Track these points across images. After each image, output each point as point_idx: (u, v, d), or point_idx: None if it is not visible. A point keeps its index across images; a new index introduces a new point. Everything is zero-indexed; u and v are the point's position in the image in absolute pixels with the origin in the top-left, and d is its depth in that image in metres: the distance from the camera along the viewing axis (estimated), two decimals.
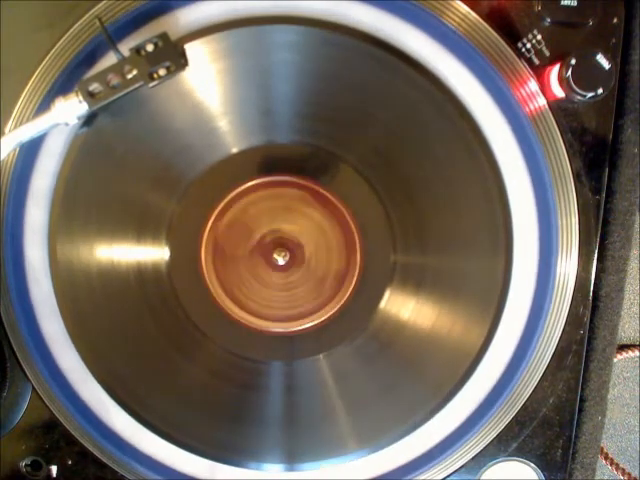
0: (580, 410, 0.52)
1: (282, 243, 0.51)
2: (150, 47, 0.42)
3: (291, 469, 0.51)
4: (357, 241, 0.51)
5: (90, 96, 0.43)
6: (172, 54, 0.42)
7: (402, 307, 0.51)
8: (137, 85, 0.43)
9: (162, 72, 0.43)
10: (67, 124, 0.44)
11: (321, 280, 0.51)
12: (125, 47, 0.45)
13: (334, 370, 0.51)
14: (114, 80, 0.43)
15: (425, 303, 0.51)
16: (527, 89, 0.50)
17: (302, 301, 0.51)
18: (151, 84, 0.43)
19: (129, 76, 0.43)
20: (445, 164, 0.50)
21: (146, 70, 0.42)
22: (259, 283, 0.51)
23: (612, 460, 0.64)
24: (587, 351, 0.52)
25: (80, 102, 0.43)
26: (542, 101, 0.50)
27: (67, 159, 0.48)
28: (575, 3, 0.49)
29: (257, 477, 0.52)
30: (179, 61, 0.42)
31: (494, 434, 0.52)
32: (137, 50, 0.43)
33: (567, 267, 0.51)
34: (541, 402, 0.51)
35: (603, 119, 0.50)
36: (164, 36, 0.42)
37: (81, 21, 0.48)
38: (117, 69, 0.43)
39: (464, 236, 0.51)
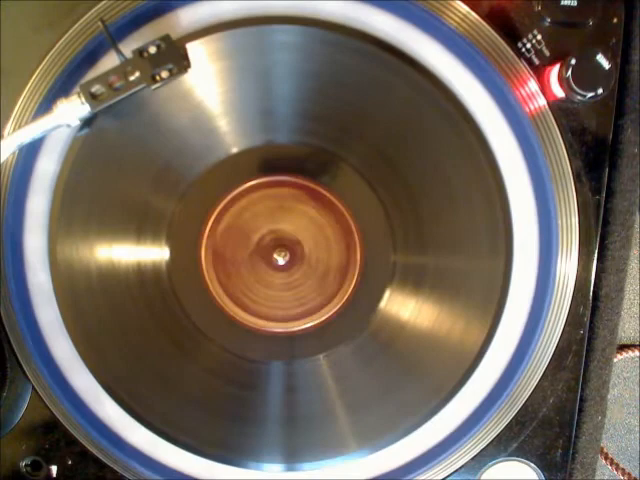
0: (580, 410, 0.54)
1: (282, 243, 0.53)
2: (153, 49, 0.45)
3: (291, 469, 0.54)
4: (357, 241, 0.53)
5: (92, 98, 0.45)
6: (175, 56, 0.45)
7: (402, 307, 0.53)
8: (140, 87, 0.45)
9: (165, 74, 0.45)
10: (69, 126, 0.47)
11: (321, 280, 0.54)
12: (126, 47, 0.47)
13: (334, 370, 0.53)
14: (116, 82, 0.45)
15: (425, 303, 0.53)
16: (527, 89, 0.52)
17: (302, 301, 0.54)
18: (154, 86, 0.45)
19: (131, 78, 0.45)
20: (445, 164, 0.52)
21: (149, 72, 0.45)
22: (259, 283, 0.53)
23: (612, 460, 0.66)
24: (587, 351, 0.54)
25: (82, 104, 0.46)
26: (542, 101, 0.52)
27: (67, 160, 0.51)
28: (575, 3, 0.51)
29: (257, 477, 0.54)
30: (182, 63, 0.45)
31: (494, 434, 0.54)
32: (140, 52, 0.45)
33: (567, 267, 0.53)
34: (541, 402, 0.53)
35: (603, 119, 0.52)
36: (167, 38, 0.45)
37: (81, 21, 0.50)
38: (119, 71, 0.45)
39: (464, 236, 0.53)
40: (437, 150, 0.53)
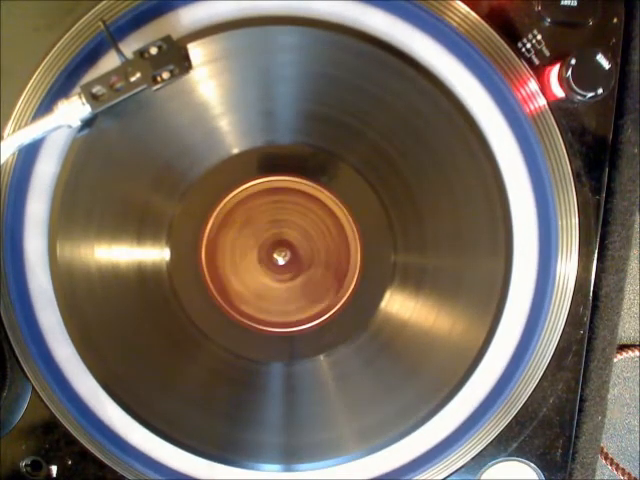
0: (580, 410, 0.55)
1: (282, 243, 0.54)
2: (154, 50, 0.45)
3: (290, 469, 0.54)
4: (357, 241, 0.54)
5: (93, 98, 0.46)
6: (176, 57, 0.45)
7: (402, 307, 0.53)
8: (140, 88, 0.46)
9: (166, 75, 0.46)
10: (70, 126, 0.47)
11: (321, 280, 0.54)
12: (126, 47, 0.48)
13: (334, 370, 0.54)
14: (117, 83, 0.46)
15: (425, 303, 0.53)
16: (527, 89, 0.53)
17: (302, 301, 0.54)
18: (155, 87, 0.46)
19: (132, 79, 0.46)
20: (445, 164, 0.53)
21: (150, 73, 0.45)
22: (259, 283, 0.54)
23: (612, 460, 0.66)
24: (587, 351, 0.54)
25: (83, 104, 0.46)
26: (542, 101, 0.53)
27: (67, 160, 0.51)
28: (575, 3, 0.52)
29: (256, 477, 0.54)
30: (183, 64, 0.45)
31: (494, 434, 0.54)
32: (141, 53, 0.46)
33: (567, 267, 0.53)
34: (541, 402, 0.54)
35: (603, 119, 0.53)
36: (168, 39, 0.45)
37: (81, 21, 0.51)
38: (120, 72, 0.46)
39: (464, 236, 0.53)
40: (437, 150, 0.53)
